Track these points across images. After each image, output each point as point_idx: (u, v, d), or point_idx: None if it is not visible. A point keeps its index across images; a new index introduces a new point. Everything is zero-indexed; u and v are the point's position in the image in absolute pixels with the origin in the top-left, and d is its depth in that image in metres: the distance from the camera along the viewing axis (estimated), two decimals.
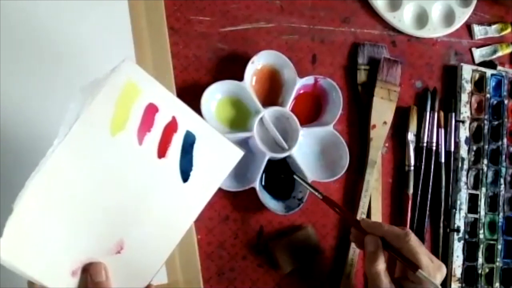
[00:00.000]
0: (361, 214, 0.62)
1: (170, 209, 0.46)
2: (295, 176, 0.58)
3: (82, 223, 0.41)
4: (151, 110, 0.43)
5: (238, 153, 0.49)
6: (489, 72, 0.71)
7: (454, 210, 0.66)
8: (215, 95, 0.57)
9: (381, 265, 0.51)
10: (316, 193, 0.56)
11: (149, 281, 0.45)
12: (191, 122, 0.46)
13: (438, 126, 0.67)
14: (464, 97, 0.69)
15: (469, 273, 0.66)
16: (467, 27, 0.72)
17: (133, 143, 0.43)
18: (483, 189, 0.69)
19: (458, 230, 0.66)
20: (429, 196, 0.65)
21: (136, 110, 0.43)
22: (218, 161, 0.48)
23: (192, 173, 0.46)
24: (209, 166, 0.47)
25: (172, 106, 0.45)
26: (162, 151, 0.44)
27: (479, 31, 0.73)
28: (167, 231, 0.46)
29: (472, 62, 0.72)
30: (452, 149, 0.68)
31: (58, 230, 0.40)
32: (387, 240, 0.52)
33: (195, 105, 0.55)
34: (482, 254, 0.67)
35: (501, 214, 0.69)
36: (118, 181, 0.43)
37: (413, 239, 0.52)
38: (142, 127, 0.43)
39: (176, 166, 0.45)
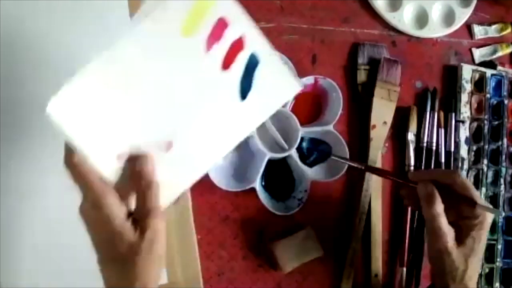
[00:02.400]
0: (361, 214, 0.62)
1: (221, 122, 0.46)
2: (332, 156, 0.59)
3: (137, 111, 0.41)
4: (221, 24, 0.43)
5: (296, 87, 0.48)
6: (489, 72, 0.71)
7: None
8: None
9: (439, 206, 0.51)
10: (357, 165, 0.59)
11: (187, 187, 0.45)
12: (258, 46, 0.46)
13: (438, 126, 0.67)
14: (464, 97, 0.69)
15: None
16: (467, 27, 0.72)
17: (200, 48, 0.43)
18: (483, 189, 0.69)
19: None
20: None
21: (208, 19, 0.42)
22: (276, 90, 0.47)
23: (249, 94, 0.46)
24: (266, 92, 0.47)
25: (242, 25, 0.45)
26: (226, 64, 0.44)
27: (479, 31, 0.73)
28: (214, 142, 0.46)
29: (472, 62, 0.72)
30: (452, 149, 0.68)
31: (112, 110, 0.40)
32: (439, 182, 0.53)
33: None
34: (482, 254, 0.67)
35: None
36: (179, 82, 0.43)
37: (463, 175, 0.53)
38: (212, 36, 0.43)
39: (236, 83, 0.45)
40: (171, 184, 0.43)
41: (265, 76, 0.46)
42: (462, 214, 0.53)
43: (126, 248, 0.39)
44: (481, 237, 0.52)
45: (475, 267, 0.52)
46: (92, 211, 0.39)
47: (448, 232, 0.51)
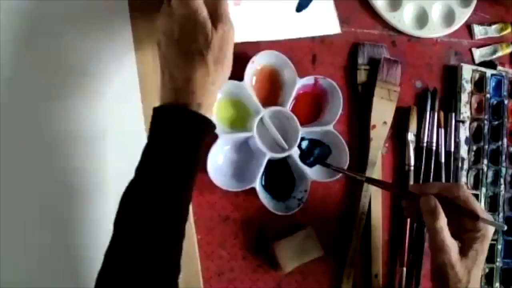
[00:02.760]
0: (361, 214, 0.62)
1: (277, 16, 0.59)
2: (331, 167, 0.59)
3: None
4: None
5: (336, 30, 0.63)
6: (489, 72, 0.71)
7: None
8: None
9: (442, 220, 0.52)
10: (358, 176, 0.59)
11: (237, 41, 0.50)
12: None
13: (438, 126, 0.67)
14: (464, 97, 0.69)
15: None
16: (467, 27, 0.72)
17: None
18: (483, 189, 0.69)
19: None
20: None
21: None
22: (322, 22, 0.62)
23: (303, 12, 0.60)
24: (314, 19, 0.61)
25: None
26: None
27: (479, 31, 0.73)
28: (268, 24, 0.58)
29: (472, 62, 0.72)
30: (452, 149, 0.68)
31: None
32: (441, 196, 0.53)
33: None
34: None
35: (501, 214, 0.69)
36: None
37: (465, 188, 0.54)
38: None
39: None
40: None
41: (319, 8, 0.61)
42: (464, 227, 0.53)
43: (203, 41, 0.45)
44: (483, 249, 0.53)
45: (477, 278, 0.53)
46: (182, 7, 0.45)
47: (452, 246, 0.52)
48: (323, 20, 0.63)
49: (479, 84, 0.70)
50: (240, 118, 0.59)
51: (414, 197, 0.55)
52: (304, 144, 0.61)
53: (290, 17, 0.60)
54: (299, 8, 0.61)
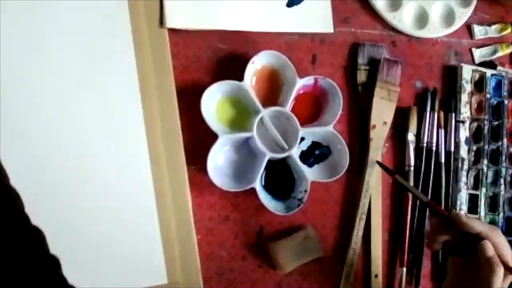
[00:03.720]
0: (361, 214, 0.62)
1: (268, 9, 0.60)
2: (396, 177, 0.56)
3: None
4: None
5: (329, 28, 0.63)
6: (489, 72, 0.71)
7: (454, 210, 0.66)
8: (215, 95, 0.57)
9: (501, 272, 0.50)
10: (420, 197, 0.56)
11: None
12: None
13: (438, 126, 0.67)
14: (464, 97, 0.69)
15: None
16: (467, 27, 0.72)
17: None
18: (483, 190, 0.69)
19: None
20: (429, 197, 0.65)
21: None
22: (314, 20, 0.63)
23: (294, 7, 0.61)
24: (306, 15, 0.61)
25: None
26: None
27: (479, 31, 0.73)
28: (258, 15, 0.60)
29: (472, 62, 0.72)
30: (452, 149, 0.68)
31: None
32: (480, 238, 0.52)
33: (195, 105, 0.55)
34: None
35: (501, 215, 0.69)
36: None
37: (502, 235, 0.53)
38: None
39: None
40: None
41: (312, 5, 0.61)
42: None
43: None
44: None
45: None
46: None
47: None
48: (316, 18, 0.62)
49: (479, 84, 0.70)
50: (240, 118, 0.59)
51: (469, 237, 0.52)
52: (304, 144, 0.61)
53: (279, 12, 0.60)
54: (290, 4, 0.61)
